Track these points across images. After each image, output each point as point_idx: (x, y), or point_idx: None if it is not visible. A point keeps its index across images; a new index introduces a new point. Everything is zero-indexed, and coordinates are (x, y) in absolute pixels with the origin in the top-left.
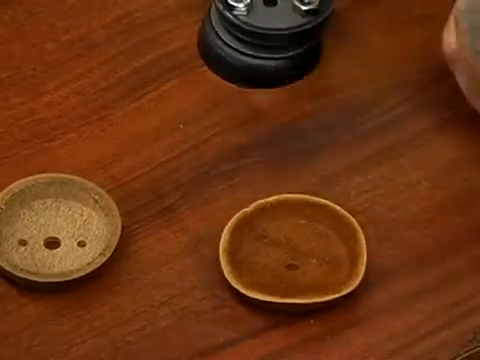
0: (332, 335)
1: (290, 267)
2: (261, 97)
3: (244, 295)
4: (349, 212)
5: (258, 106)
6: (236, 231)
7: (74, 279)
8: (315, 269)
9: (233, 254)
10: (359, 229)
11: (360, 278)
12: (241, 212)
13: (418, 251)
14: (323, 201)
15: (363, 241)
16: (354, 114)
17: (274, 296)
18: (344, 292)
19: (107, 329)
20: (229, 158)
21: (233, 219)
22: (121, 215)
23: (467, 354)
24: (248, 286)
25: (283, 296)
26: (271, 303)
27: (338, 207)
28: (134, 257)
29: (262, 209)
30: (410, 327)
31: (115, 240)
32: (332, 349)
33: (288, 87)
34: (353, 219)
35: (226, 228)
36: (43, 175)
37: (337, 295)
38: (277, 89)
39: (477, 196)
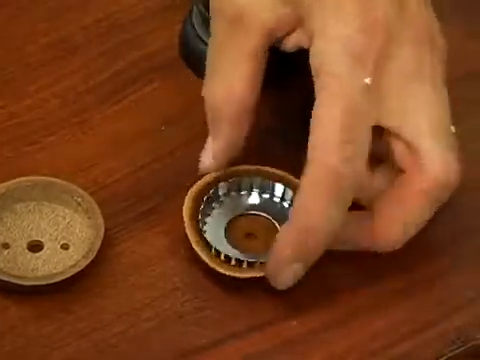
0: (314, 336)
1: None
2: None
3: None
4: None
5: None
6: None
7: (57, 282)
8: None
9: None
10: None
11: None
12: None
13: (401, 250)
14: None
15: None
16: None
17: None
18: None
19: (90, 332)
20: None
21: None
22: (103, 218)
23: (451, 354)
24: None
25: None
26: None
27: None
28: (116, 259)
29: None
30: (392, 327)
31: (98, 243)
32: (315, 350)
33: (271, 87)
34: None
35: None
36: (25, 178)
37: None
38: (261, 89)
39: (460, 196)
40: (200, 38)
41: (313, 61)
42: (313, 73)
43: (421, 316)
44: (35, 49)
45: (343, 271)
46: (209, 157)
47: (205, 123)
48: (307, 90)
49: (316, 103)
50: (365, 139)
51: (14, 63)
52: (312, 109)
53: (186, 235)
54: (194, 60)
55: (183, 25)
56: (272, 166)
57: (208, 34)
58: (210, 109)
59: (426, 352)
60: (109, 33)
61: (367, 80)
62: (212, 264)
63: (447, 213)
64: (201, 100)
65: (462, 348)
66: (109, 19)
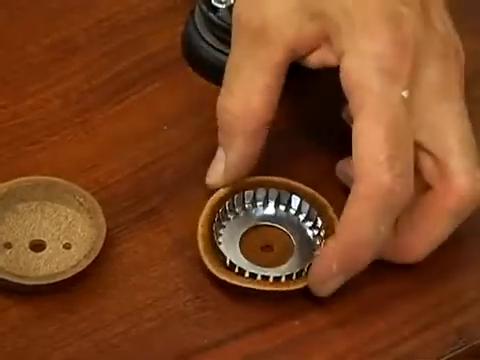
0: (316, 336)
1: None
2: None
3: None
4: (335, 212)
5: None
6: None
7: (59, 282)
8: None
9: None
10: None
11: None
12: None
13: None
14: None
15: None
16: (339, 115)
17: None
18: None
19: (91, 332)
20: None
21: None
22: (105, 218)
23: (452, 355)
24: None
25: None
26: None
27: (311, 189)
28: (118, 260)
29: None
30: (393, 327)
31: (100, 242)
32: (316, 350)
33: None
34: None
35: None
36: (27, 178)
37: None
38: None
39: None
40: (202, 38)
41: (346, 79)
42: (346, 91)
43: (422, 316)
44: (37, 50)
45: None
46: (218, 171)
47: (207, 123)
48: (311, 94)
49: (356, 120)
50: (411, 153)
51: (16, 63)
52: (318, 113)
53: (196, 240)
54: (196, 60)
55: (185, 25)
56: (276, 173)
57: (210, 33)
58: (225, 122)
59: (427, 352)
60: (111, 34)
61: (404, 93)
62: (223, 276)
63: None
64: (203, 101)
65: (463, 348)
66: (111, 20)
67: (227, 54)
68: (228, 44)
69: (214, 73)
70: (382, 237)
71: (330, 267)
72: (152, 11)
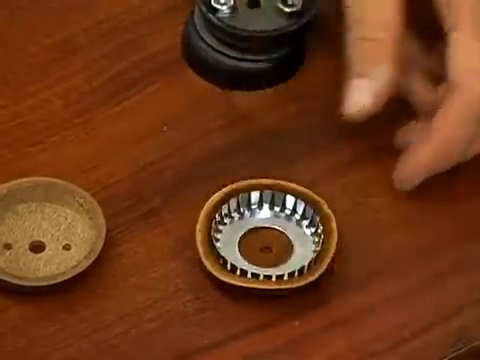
0: (316, 336)
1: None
2: (245, 99)
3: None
4: (334, 214)
5: (242, 108)
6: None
7: (59, 282)
8: None
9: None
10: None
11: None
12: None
13: (402, 252)
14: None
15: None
16: (338, 116)
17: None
18: (312, 278)
19: (91, 332)
20: (213, 161)
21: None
22: (105, 218)
23: (453, 355)
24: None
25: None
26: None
27: (304, 188)
28: (118, 260)
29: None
30: (394, 328)
31: (100, 243)
32: (315, 351)
33: (272, 89)
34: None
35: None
36: (27, 179)
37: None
38: (261, 91)
39: (460, 197)
40: (202, 39)
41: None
42: (435, 5)
43: (422, 317)
44: (37, 50)
45: (344, 272)
46: (362, 101)
47: (207, 124)
48: (310, 95)
49: (451, 30)
50: None
51: (16, 64)
52: (317, 113)
53: (195, 245)
54: (196, 61)
55: (185, 26)
56: (275, 174)
57: (209, 34)
58: (364, 50)
59: (428, 353)
60: (111, 34)
61: None
62: (227, 278)
63: (449, 214)
64: (203, 101)
65: (464, 349)
66: (111, 20)
67: (226, 55)
68: (227, 45)
69: (214, 74)
70: (471, 139)
71: (419, 164)
72: (152, 11)
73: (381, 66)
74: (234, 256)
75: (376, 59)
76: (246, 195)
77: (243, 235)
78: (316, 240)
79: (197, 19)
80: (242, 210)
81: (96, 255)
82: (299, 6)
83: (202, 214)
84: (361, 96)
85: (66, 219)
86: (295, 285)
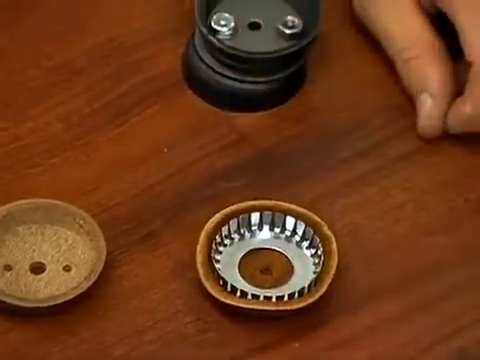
0: (316, 358)
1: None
2: (245, 121)
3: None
4: (334, 235)
5: (242, 130)
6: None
7: (59, 304)
8: None
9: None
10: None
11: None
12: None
13: (402, 273)
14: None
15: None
16: (338, 137)
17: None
18: (312, 299)
19: (92, 354)
20: (213, 182)
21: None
22: (105, 240)
23: None
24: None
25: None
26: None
27: (303, 209)
28: (118, 282)
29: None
30: (394, 349)
31: (100, 265)
32: None
33: (272, 111)
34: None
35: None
36: (27, 201)
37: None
38: (261, 113)
39: (461, 218)
40: (202, 60)
41: None
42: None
43: (423, 338)
44: (38, 72)
45: (344, 294)
46: (435, 117)
47: (207, 146)
48: (308, 116)
49: (462, 13)
50: None
51: (17, 86)
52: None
53: (196, 263)
54: (196, 82)
55: (186, 47)
56: (274, 195)
57: (210, 56)
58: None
59: None
60: (112, 56)
61: None
62: (227, 300)
63: (450, 232)
64: (203, 123)
65: None
66: (112, 42)
67: (226, 76)
68: (228, 66)
69: (214, 95)
70: None
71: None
72: (153, 34)
73: (433, 79)
74: (234, 277)
75: (427, 73)
76: (246, 216)
77: (243, 256)
78: (316, 261)
79: (198, 41)
80: (242, 231)
81: (96, 276)
82: (299, 28)
83: (202, 235)
84: (426, 111)
85: (66, 240)
86: (295, 306)
